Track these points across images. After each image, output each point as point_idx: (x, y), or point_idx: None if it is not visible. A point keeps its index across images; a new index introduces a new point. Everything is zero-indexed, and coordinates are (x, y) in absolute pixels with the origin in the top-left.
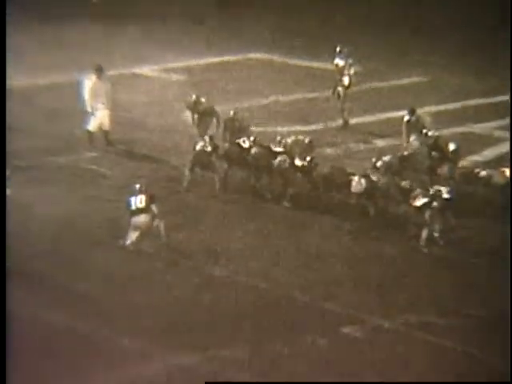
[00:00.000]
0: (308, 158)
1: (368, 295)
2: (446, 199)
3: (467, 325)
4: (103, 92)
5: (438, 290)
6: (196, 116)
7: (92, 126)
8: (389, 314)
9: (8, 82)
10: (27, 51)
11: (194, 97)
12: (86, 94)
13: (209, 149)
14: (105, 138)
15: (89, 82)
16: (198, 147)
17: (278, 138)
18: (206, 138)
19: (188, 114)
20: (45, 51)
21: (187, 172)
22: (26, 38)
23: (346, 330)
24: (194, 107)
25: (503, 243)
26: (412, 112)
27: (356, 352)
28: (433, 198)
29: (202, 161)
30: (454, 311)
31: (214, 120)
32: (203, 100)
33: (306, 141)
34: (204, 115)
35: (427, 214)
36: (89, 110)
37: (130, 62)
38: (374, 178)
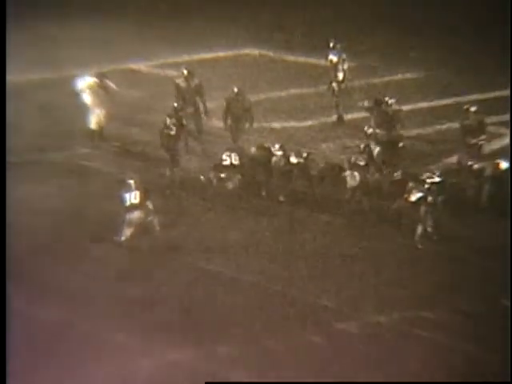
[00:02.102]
0: (304, 155)
1: (363, 291)
2: (438, 183)
3: (462, 321)
4: (104, 99)
5: (434, 285)
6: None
7: (93, 124)
8: (384, 309)
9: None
10: (22, 47)
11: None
12: (88, 101)
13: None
14: (100, 133)
15: (89, 89)
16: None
17: None
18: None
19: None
20: (40, 47)
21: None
22: (22, 33)
23: (341, 325)
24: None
25: (498, 239)
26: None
27: (351, 348)
28: (428, 192)
29: None
30: (449, 307)
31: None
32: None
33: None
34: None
35: (422, 209)
36: (90, 113)
37: (125, 57)
38: (366, 171)
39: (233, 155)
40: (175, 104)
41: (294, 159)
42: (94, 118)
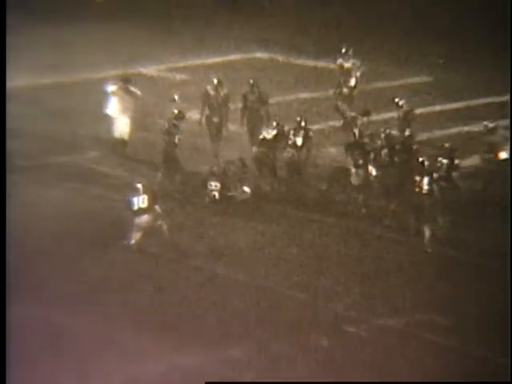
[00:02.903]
0: (302, 124)
1: (372, 294)
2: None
3: (463, 322)
4: (129, 106)
5: (441, 289)
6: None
7: (116, 132)
8: (393, 313)
9: (11, 83)
10: (31, 51)
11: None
12: (112, 107)
13: None
14: (122, 146)
15: (114, 94)
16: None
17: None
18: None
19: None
20: (48, 51)
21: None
22: (30, 37)
23: (349, 329)
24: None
25: (505, 242)
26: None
27: (360, 351)
28: (431, 169)
29: None
30: (450, 308)
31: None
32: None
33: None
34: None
35: (436, 190)
36: (113, 119)
37: (134, 61)
38: (370, 167)
39: (212, 184)
40: (175, 110)
41: (299, 140)
42: (117, 128)
